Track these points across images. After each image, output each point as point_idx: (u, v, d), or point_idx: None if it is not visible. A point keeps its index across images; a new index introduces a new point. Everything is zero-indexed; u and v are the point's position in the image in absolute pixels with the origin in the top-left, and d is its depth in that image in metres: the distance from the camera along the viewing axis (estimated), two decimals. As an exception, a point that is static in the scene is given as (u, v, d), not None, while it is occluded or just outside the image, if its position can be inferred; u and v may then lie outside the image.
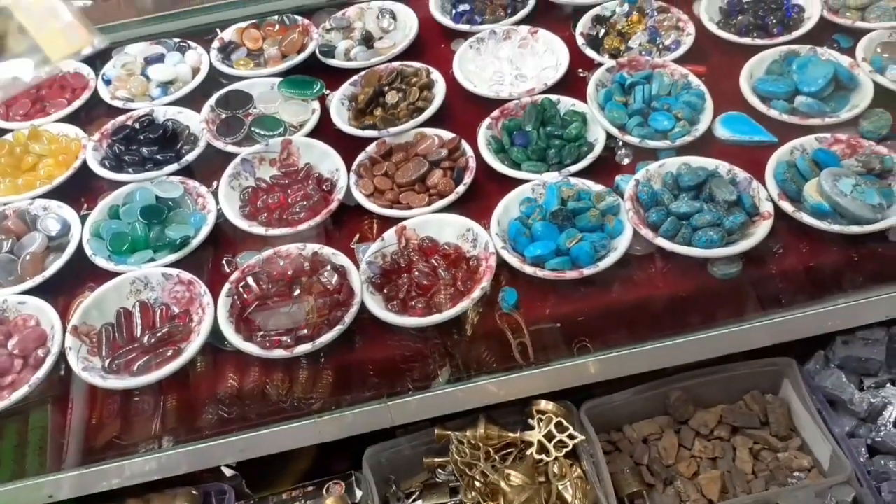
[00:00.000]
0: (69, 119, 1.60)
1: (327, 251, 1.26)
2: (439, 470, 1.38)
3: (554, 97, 1.45)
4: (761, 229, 1.19)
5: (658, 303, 1.23)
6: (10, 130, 1.57)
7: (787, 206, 1.21)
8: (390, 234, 1.28)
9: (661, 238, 1.20)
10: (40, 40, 1.09)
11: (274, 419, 1.20)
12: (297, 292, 1.21)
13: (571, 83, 1.51)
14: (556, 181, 1.30)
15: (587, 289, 1.21)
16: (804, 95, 1.37)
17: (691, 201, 1.23)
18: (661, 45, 1.53)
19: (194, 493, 1.32)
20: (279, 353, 1.15)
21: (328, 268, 1.23)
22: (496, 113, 1.45)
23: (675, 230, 1.20)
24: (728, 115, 1.39)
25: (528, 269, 1.20)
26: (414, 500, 1.37)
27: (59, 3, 1.12)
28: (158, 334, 1.21)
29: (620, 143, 1.38)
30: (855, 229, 1.17)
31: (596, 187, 1.29)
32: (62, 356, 1.20)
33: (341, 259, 1.25)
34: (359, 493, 1.30)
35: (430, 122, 1.47)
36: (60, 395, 1.21)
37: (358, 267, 1.25)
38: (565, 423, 1.31)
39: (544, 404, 1.34)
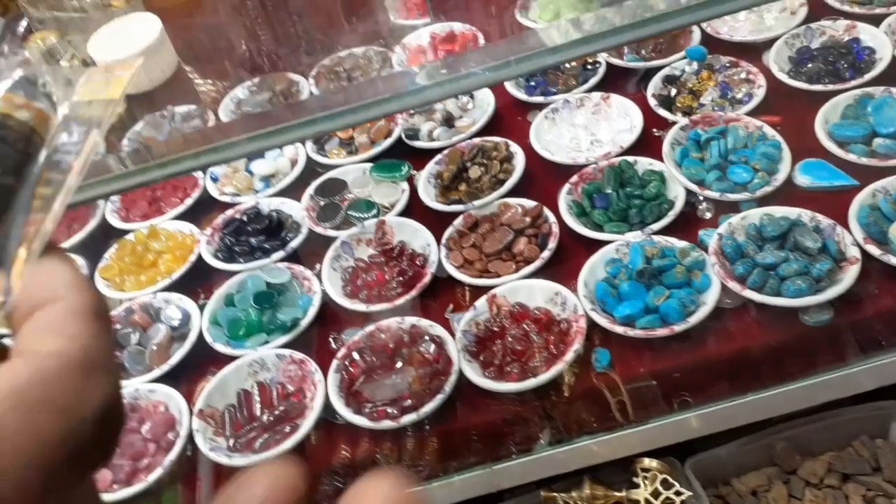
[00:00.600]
0: (183, 216, 1.74)
1: (424, 323, 1.34)
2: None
3: (631, 158, 1.50)
4: (850, 274, 1.20)
5: (752, 354, 1.24)
6: (131, 231, 1.73)
7: (873, 250, 1.21)
8: (482, 303, 1.35)
9: (750, 290, 1.22)
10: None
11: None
12: (399, 364, 1.29)
13: (647, 144, 1.55)
14: (639, 240, 1.35)
15: (680, 345, 1.24)
16: (882, 137, 1.38)
17: (776, 251, 1.25)
18: (733, 100, 1.57)
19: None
20: (387, 423, 1.22)
21: (426, 338, 1.30)
22: (575, 178, 1.51)
23: (762, 281, 1.23)
24: (806, 163, 1.40)
25: (619, 329, 1.24)
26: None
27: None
28: (276, 413, 1.30)
29: (701, 198, 1.42)
30: (946, 267, 1.17)
31: (679, 244, 1.33)
32: (190, 438, 1.30)
33: (438, 330, 1.32)
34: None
35: (512, 193, 1.54)
36: (188, 473, 1.31)
37: (454, 336, 1.31)
38: (671, 480, 1.32)
39: (648, 461, 1.36)
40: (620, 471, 1.38)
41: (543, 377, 1.21)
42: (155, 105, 1.89)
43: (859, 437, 1.39)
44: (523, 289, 1.35)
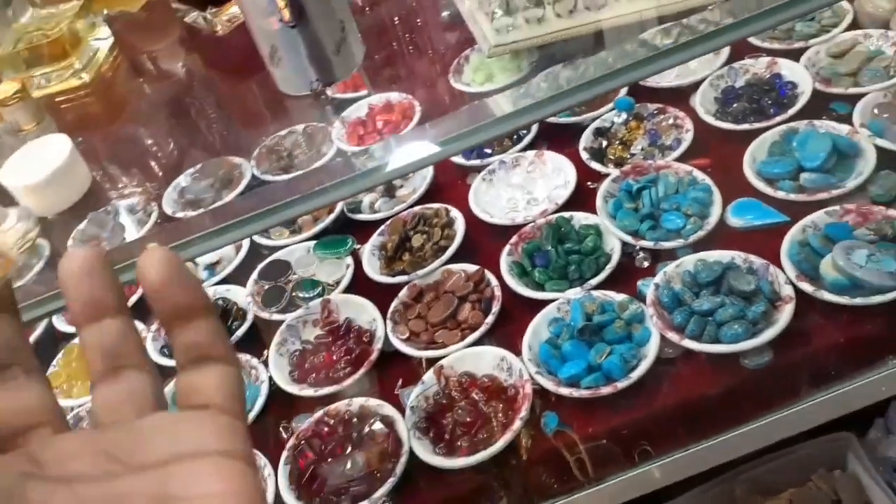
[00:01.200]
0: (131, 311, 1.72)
1: (373, 403, 1.32)
2: None
3: (567, 214, 1.51)
4: (785, 314, 1.20)
5: (698, 401, 1.24)
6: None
7: (806, 287, 1.22)
8: (429, 376, 1.34)
9: (688, 339, 1.22)
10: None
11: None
12: (349, 449, 1.27)
13: (583, 198, 1.56)
14: (578, 297, 1.35)
15: (627, 399, 1.23)
16: (808, 171, 1.40)
17: (712, 297, 1.26)
18: (662, 146, 1.59)
19: None
20: (338, 514, 1.20)
21: (375, 421, 1.28)
22: (514, 239, 1.51)
23: (700, 329, 1.23)
24: (737, 203, 1.42)
25: (564, 391, 1.23)
26: None
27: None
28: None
29: (637, 248, 1.43)
30: (877, 299, 1.17)
31: (618, 297, 1.33)
32: None
33: (387, 409, 1.30)
34: None
35: (455, 258, 1.54)
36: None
37: (404, 413, 1.30)
38: (634, 536, 1.30)
39: (611, 519, 1.34)
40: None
41: (492, 449, 1.19)
42: (70, 226, 1.91)
43: (817, 472, 1.38)
44: (469, 357, 1.34)
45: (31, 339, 1.74)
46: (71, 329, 1.73)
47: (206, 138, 2.17)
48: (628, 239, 1.42)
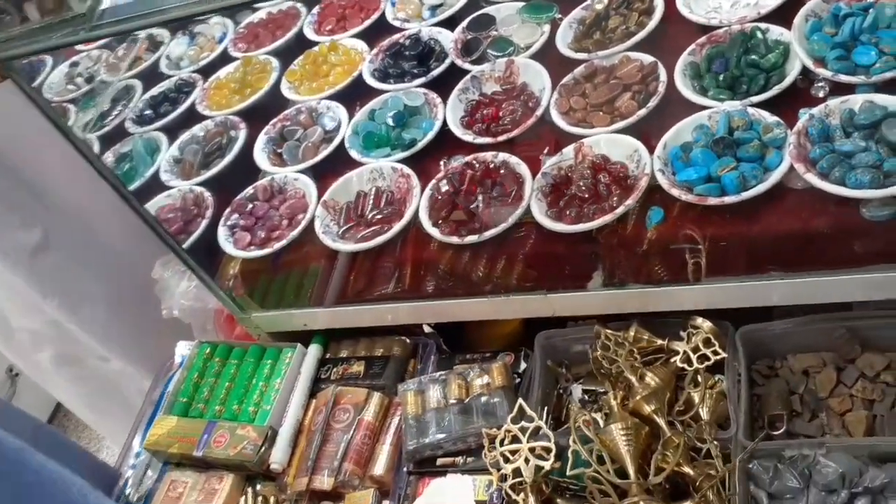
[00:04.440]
0: (361, 35, 1.97)
1: (513, 160, 1.48)
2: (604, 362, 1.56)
3: (764, 25, 1.46)
4: (923, 175, 1.14)
5: (808, 236, 1.25)
6: (318, 43, 1.99)
7: (961, 154, 1.14)
8: (569, 150, 1.45)
9: (814, 174, 1.21)
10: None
11: (460, 293, 1.49)
12: (480, 195, 1.46)
13: (795, 13, 1.47)
14: (731, 109, 1.35)
15: (733, 217, 1.28)
16: None
17: (859, 141, 1.21)
18: (901, -29, 1.43)
19: (407, 341, 1.66)
20: (453, 239, 1.42)
21: (509, 173, 1.45)
22: (703, 39, 1.50)
23: (831, 167, 1.21)
24: (945, 51, 1.29)
25: (675, 192, 1.30)
26: (578, 383, 1.57)
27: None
28: (381, 214, 1.55)
29: (819, 76, 1.37)
30: None
31: (769, 118, 1.32)
32: (313, 222, 1.60)
33: (522, 168, 1.46)
34: (523, 366, 1.54)
35: (644, 47, 1.56)
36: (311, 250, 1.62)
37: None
38: (713, 340, 1.39)
39: (700, 321, 1.43)
40: (677, 326, 1.47)
41: (591, 223, 1.32)
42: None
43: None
44: (608, 142, 1.43)
45: (286, 38, 2.03)
46: (317, 38, 2.01)
47: None
48: (809, 64, 1.36)
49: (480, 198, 1.45)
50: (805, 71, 1.37)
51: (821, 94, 1.36)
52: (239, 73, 2.00)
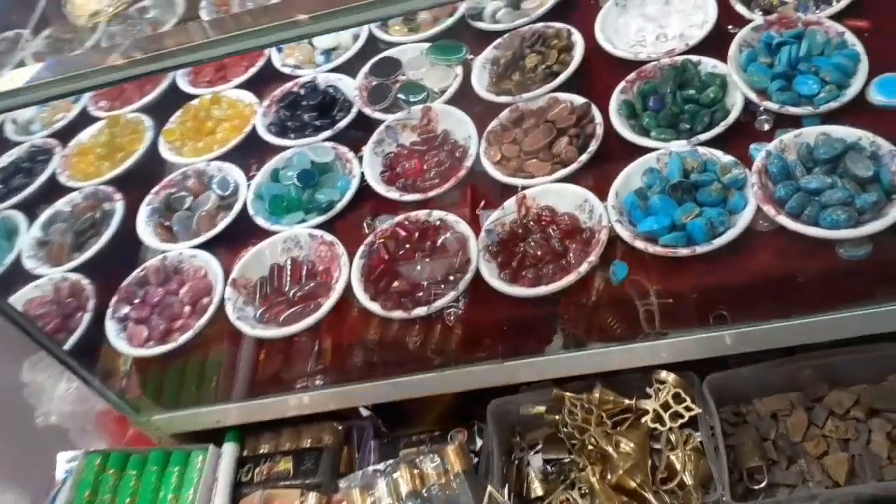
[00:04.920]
0: (246, 85, 1.77)
1: (451, 218, 1.34)
2: (562, 427, 1.44)
3: (695, 58, 1.40)
4: (897, 210, 1.10)
5: (780, 282, 1.18)
6: (197, 96, 1.77)
7: (932, 185, 1.11)
8: (510, 203, 1.33)
9: (785, 216, 1.15)
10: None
11: (404, 370, 1.32)
12: (419, 256, 1.30)
13: (718, 43, 1.43)
14: (681, 150, 1.28)
15: (702, 266, 1.19)
16: (980, 54, 1.22)
17: (823, 176, 1.16)
18: (820, -1, 1.41)
19: (339, 427, 1.47)
20: (398, 314, 1.25)
21: (449, 234, 1.30)
22: (632, 76, 1.42)
23: (801, 207, 1.15)
24: (885, 78, 1.26)
25: (640, 244, 1.20)
26: (536, 452, 1.44)
27: None
28: (304, 290, 1.36)
29: (761, 108, 1.32)
30: None
31: (724, 158, 1.25)
32: (222, 305, 1.38)
33: (462, 227, 1.32)
34: (479, 443, 1.39)
35: (567, 87, 1.47)
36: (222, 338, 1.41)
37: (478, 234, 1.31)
38: (683, 395, 1.30)
39: (665, 374, 1.34)
40: (638, 380, 1.37)
41: (554, 286, 1.20)
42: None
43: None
44: (554, 192, 1.32)
45: (157, 92, 1.81)
46: (194, 90, 1.79)
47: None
48: (752, 97, 1.30)
49: (420, 264, 1.29)
50: (746, 104, 1.32)
51: (766, 127, 1.31)
52: (105, 135, 1.75)
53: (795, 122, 1.29)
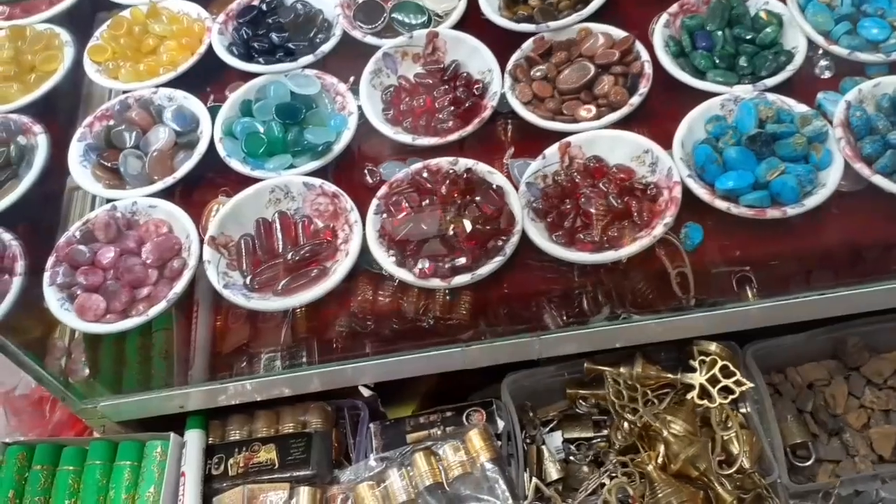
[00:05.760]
0: (189, -5, 1.45)
1: (482, 168, 1.13)
2: (581, 401, 1.30)
3: (745, -8, 1.25)
4: None
5: (866, 248, 1.08)
6: (125, 6, 1.44)
7: None
8: (552, 152, 1.14)
9: (879, 174, 1.03)
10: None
11: (423, 344, 1.12)
12: (450, 216, 1.09)
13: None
14: (750, 97, 1.13)
15: (784, 229, 1.06)
16: None
17: (914, 131, 1.05)
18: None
19: (327, 408, 1.26)
20: (436, 282, 1.04)
21: (485, 188, 1.10)
22: (674, 8, 1.26)
23: (893, 166, 1.03)
24: (962, 25, 1.17)
25: (720, 204, 1.05)
26: (552, 430, 1.29)
27: None
28: (302, 252, 1.11)
29: (821, 52, 1.19)
30: None
31: (799, 107, 1.11)
32: (200, 268, 1.12)
33: (498, 178, 1.12)
34: (500, 424, 1.22)
35: (594, 17, 1.28)
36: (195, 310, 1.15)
37: (515, 187, 1.12)
38: (732, 368, 1.19)
39: (706, 345, 1.22)
40: (672, 351, 1.25)
41: (624, 251, 1.03)
42: None
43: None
44: (605, 140, 1.14)
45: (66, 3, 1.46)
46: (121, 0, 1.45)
47: None
48: (819, 40, 1.17)
49: (454, 222, 1.08)
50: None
51: (826, 75, 1.19)
52: (9, 50, 1.39)
53: (856, 69, 1.17)
